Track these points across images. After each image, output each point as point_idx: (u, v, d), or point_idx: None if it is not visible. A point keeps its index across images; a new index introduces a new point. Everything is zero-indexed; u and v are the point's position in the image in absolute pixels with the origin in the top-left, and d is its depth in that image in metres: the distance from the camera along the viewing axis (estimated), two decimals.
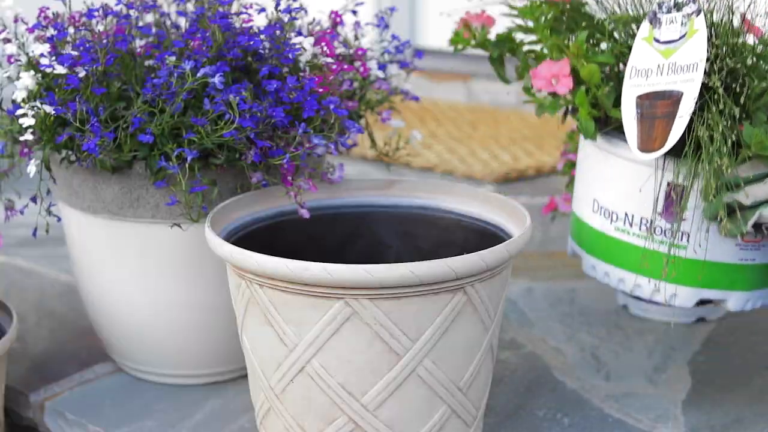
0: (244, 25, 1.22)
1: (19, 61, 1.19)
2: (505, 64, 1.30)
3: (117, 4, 1.24)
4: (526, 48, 1.27)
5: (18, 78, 1.17)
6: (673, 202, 1.11)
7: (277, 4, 1.25)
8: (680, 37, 1.09)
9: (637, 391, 1.28)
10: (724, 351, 1.39)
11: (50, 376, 1.34)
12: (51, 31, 1.19)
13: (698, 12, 1.08)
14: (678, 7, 1.10)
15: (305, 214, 1.17)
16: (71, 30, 1.20)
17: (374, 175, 2.12)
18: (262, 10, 1.26)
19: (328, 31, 1.29)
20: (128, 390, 1.30)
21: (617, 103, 1.14)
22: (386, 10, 1.37)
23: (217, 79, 1.13)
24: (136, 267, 1.23)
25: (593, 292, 1.56)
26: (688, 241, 1.12)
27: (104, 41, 1.18)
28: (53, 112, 1.13)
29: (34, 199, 1.21)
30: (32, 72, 1.16)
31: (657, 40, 1.10)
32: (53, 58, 1.15)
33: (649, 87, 1.09)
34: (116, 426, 1.22)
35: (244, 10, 1.25)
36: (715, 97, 1.07)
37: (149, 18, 1.31)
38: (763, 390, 1.28)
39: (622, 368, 1.34)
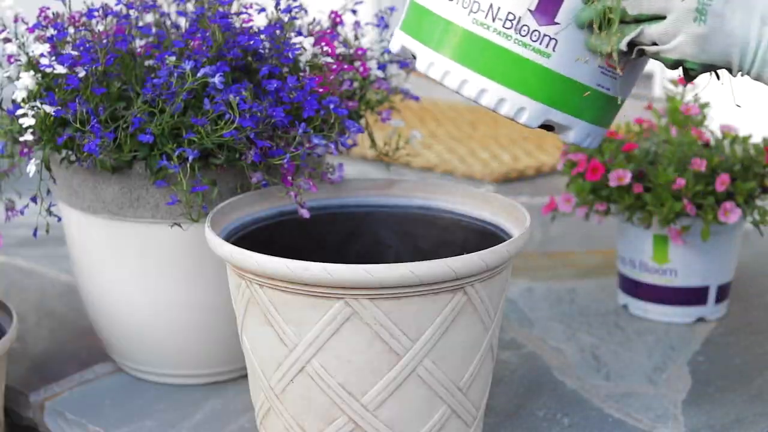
0: (244, 25, 1.22)
1: (19, 61, 1.19)
2: None
3: (117, 4, 1.24)
4: None
5: (18, 78, 1.17)
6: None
7: (277, 4, 1.25)
8: None
9: (637, 391, 1.28)
10: (724, 351, 1.38)
11: (50, 376, 1.34)
12: (51, 31, 1.19)
13: None
14: None
15: (305, 214, 1.17)
16: (71, 30, 1.20)
17: (374, 175, 2.12)
18: (262, 10, 1.26)
19: (328, 31, 1.29)
20: (128, 390, 1.30)
21: None
22: (386, 9, 1.37)
23: (217, 79, 1.13)
24: (136, 267, 1.23)
25: (593, 292, 1.56)
26: (554, 49, 0.99)
27: (104, 41, 1.18)
28: (53, 112, 1.13)
29: (34, 199, 1.21)
30: (32, 72, 1.16)
31: None
32: (53, 58, 1.15)
33: None
34: (116, 426, 1.22)
35: (244, 10, 1.25)
36: None
37: (149, 18, 1.31)
38: (763, 390, 1.28)
39: (622, 368, 1.34)
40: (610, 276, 1.60)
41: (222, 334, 1.25)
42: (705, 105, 1.48)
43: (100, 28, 1.21)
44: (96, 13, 1.21)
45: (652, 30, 0.95)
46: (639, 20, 0.96)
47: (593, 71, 1.01)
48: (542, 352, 1.38)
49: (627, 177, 1.37)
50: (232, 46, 1.18)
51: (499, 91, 1.00)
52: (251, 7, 1.26)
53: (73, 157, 1.19)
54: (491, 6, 0.99)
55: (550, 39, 0.99)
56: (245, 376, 1.27)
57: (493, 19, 0.99)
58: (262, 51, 1.20)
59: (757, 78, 0.95)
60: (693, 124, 1.48)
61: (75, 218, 1.25)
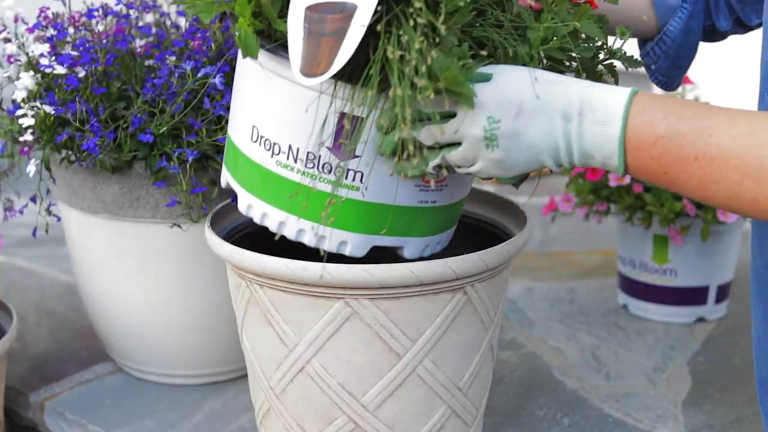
0: None
1: (19, 61, 1.19)
2: None
3: (117, 4, 1.24)
4: None
5: (18, 78, 1.18)
6: (345, 135, 0.94)
7: None
8: None
9: (637, 391, 1.28)
10: (724, 351, 1.38)
11: (50, 376, 1.34)
12: (51, 31, 1.19)
13: None
14: None
15: None
16: (71, 30, 1.20)
17: None
18: None
19: None
20: (128, 390, 1.30)
21: (284, 13, 0.94)
22: None
23: (217, 80, 1.13)
24: (136, 267, 1.23)
25: (593, 292, 1.56)
26: (362, 181, 0.96)
27: (104, 41, 1.18)
28: (53, 112, 1.13)
29: (33, 199, 1.21)
30: (32, 72, 1.16)
31: None
32: (53, 58, 1.15)
33: None
34: (116, 426, 1.22)
35: None
36: (411, 11, 0.88)
37: (149, 18, 1.32)
38: None
39: (622, 368, 1.34)
40: (610, 276, 1.60)
41: (222, 334, 1.25)
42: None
43: (100, 28, 1.21)
44: (96, 13, 1.21)
45: (452, 156, 0.92)
46: (436, 147, 0.93)
47: (411, 192, 0.98)
48: (542, 352, 1.38)
49: (627, 177, 1.37)
50: (233, 45, 1.18)
51: (317, 229, 0.98)
52: None
53: (72, 157, 1.19)
54: (290, 147, 0.96)
55: (356, 172, 0.96)
56: (245, 376, 1.27)
57: (295, 160, 0.96)
58: None
59: (584, 165, 0.91)
60: None
61: (75, 218, 1.25)
